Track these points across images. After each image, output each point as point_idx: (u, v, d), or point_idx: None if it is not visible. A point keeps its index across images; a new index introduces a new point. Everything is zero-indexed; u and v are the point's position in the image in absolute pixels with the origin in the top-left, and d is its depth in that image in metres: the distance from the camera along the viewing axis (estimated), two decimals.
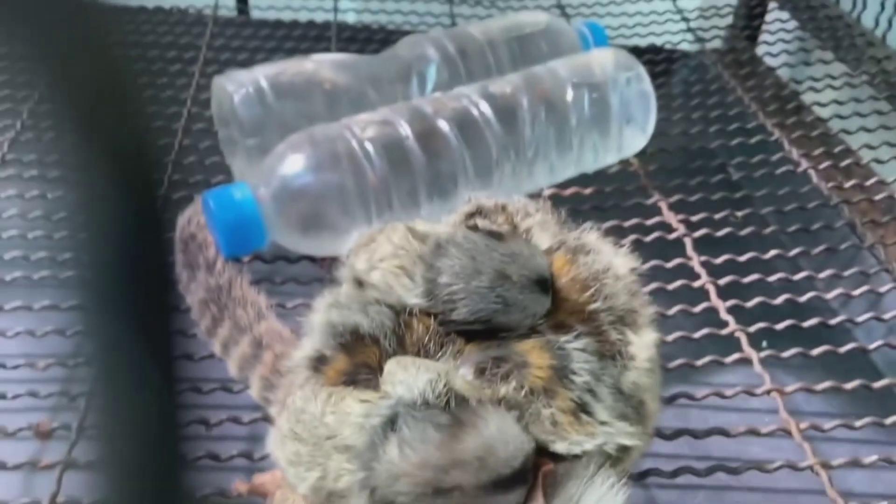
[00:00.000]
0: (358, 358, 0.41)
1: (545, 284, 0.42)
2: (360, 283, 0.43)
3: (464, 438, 0.35)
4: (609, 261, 0.45)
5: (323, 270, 0.64)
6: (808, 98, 0.89)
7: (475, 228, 0.43)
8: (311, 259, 0.65)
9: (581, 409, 0.39)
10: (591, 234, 0.47)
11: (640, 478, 0.51)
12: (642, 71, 0.72)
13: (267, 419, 0.51)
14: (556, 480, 0.37)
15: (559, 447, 0.38)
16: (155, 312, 0.16)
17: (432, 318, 0.41)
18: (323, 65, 0.72)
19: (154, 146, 0.16)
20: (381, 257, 0.43)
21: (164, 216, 0.16)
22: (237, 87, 0.69)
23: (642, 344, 0.42)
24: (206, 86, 0.75)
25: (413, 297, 0.41)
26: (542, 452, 0.38)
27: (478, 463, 0.35)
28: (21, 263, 0.63)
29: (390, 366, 0.38)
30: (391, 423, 0.36)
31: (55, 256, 0.63)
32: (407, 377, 0.37)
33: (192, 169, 0.75)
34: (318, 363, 0.42)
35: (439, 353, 0.40)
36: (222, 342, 0.55)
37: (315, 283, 0.63)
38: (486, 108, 0.67)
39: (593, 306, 0.42)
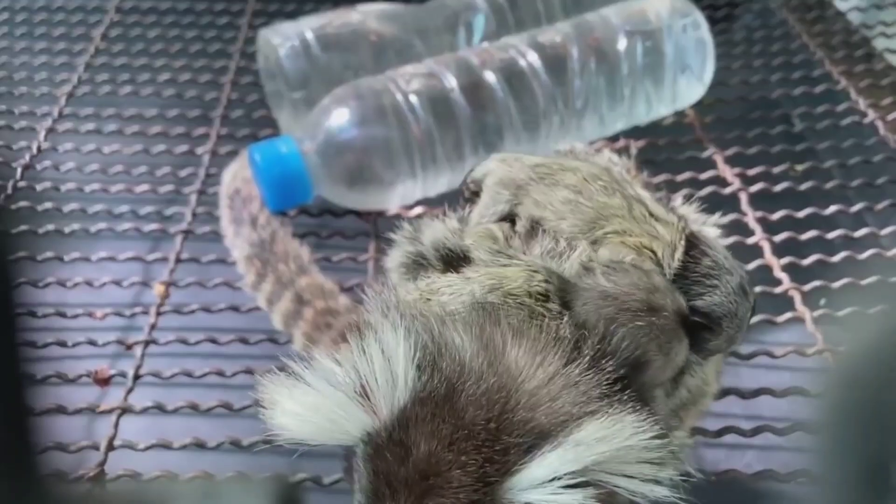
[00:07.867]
0: None
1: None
2: (533, 230, 0.39)
3: (652, 276, 0.37)
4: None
5: (368, 224, 0.64)
6: (879, 44, 0.84)
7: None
8: (357, 213, 0.65)
9: None
10: (710, 229, 0.45)
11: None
12: (700, 17, 0.69)
13: None
14: None
15: None
16: None
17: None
18: (369, 15, 0.71)
19: None
20: (616, 231, 0.39)
21: None
22: (283, 40, 0.68)
23: None
24: (254, 38, 0.75)
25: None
26: None
27: (670, 293, 0.37)
28: (79, 216, 0.65)
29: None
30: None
31: (111, 209, 0.65)
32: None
33: (239, 123, 0.75)
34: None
35: None
36: (267, 297, 0.56)
37: (361, 237, 0.63)
38: (533, 58, 0.65)
39: None
